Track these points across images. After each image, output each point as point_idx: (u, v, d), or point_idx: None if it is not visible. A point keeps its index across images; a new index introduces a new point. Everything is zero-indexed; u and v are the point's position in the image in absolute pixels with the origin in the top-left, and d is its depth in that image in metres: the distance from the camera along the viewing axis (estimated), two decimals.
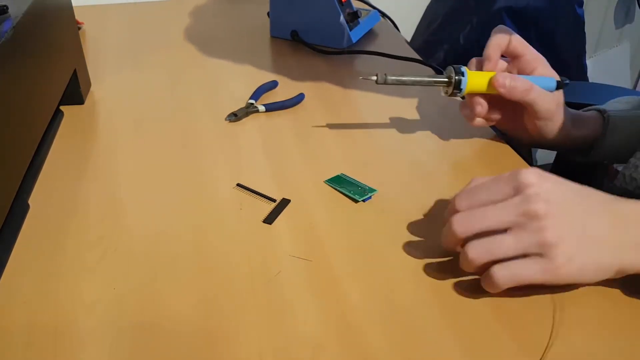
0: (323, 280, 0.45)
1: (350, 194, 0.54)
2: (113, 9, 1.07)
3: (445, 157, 0.62)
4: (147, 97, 0.74)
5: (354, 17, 0.88)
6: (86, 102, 0.73)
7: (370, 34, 0.94)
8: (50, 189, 0.56)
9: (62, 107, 0.70)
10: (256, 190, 0.55)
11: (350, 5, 0.89)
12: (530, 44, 0.60)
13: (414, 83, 0.55)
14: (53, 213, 0.53)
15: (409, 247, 0.48)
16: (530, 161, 0.60)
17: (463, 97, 0.59)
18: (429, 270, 0.46)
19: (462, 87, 0.56)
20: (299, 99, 0.72)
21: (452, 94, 0.58)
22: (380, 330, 0.41)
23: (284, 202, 0.54)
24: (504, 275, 0.40)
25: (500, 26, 0.59)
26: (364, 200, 0.53)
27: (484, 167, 0.60)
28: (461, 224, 0.42)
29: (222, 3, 1.09)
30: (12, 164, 0.50)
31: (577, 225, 0.40)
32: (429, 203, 0.54)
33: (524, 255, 0.40)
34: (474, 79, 0.57)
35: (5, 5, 0.54)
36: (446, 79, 0.57)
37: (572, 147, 0.63)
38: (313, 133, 0.66)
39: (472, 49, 1.07)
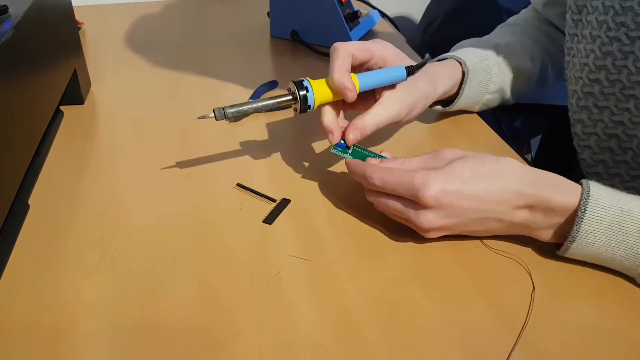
0: (323, 280, 0.45)
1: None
2: (113, 9, 1.07)
3: None
4: (147, 97, 0.74)
5: (354, 17, 0.88)
6: (86, 102, 0.73)
7: (370, 34, 0.94)
8: (50, 189, 0.56)
9: (62, 107, 0.70)
10: (256, 190, 0.55)
11: (350, 5, 0.89)
12: None
13: (256, 110, 0.50)
14: (53, 213, 0.53)
15: (409, 247, 0.48)
16: (528, 160, 0.61)
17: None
18: (428, 269, 0.46)
19: (309, 102, 0.51)
20: None
21: (303, 111, 0.52)
22: (379, 329, 0.41)
23: (284, 202, 0.54)
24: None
25: (335, 44, 0.53)
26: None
27: None
28: (375, 203, 0.49)
29: (222, 3, 1.09)
30: (12, 164, 0.50)
31: (463, 217, 0.46)
32: None
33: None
34: (320, 88, 0.52)
35: (5, 5, 0.54)
36: (290, 97, 0.51)
37: (437, 104, 0.66)
38: (313, 133, 0.66)
39: None
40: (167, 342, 0.40)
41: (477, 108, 0.69)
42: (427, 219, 0.45)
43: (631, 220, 0.42)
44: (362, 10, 0.92)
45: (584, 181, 0.45)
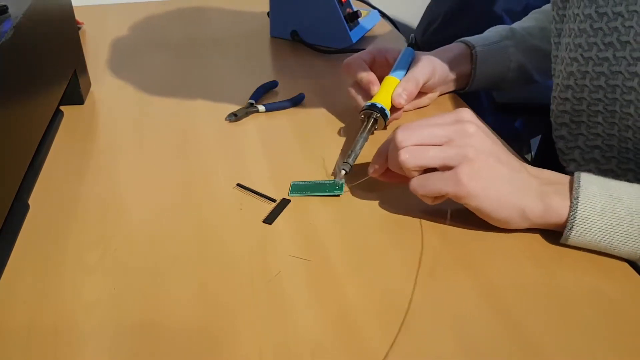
0: (323, 280, 0.45)
1: (328, 193, 0.54)
2: (113, 9, 1.07)
3: None
4: (147, 97, 0.74)
5: (354, 17, 0.88)
6: (86, 102, 0.73)
7: (370, 34, 0.94)
8: (50, 189, 0.56)
9: (62, 107, 0.70)
10: (256, 190, 0.55)
11: (350, 5, 0.89)
12: None
13: (361, 146, 0.59)
14: (53, 213, 0.53)
15: (409, 246, 0.48)
16: (528, 159, 0.61)
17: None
18: (428, 269, 0.46)
19: (387, 116, 0.63)
20: (299, 99, 0.72)
21: (386, 126, 0.64)
22: (379, 329, 0.41)
23: (284, 202, 0.54)
24: (418, 184, 0.48)
25: (347, 60, 0.68)
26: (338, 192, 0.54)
27: None
28: (403, 136, 0.48)
29: (222, 3, 1.09)
30: (12, 164, 0.50)
31: (494, 157, 0.47)
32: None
33: (445, 168, 0.47)
34: (388, 105, 0.64)
35: (5, 5, 0.54)
36: (375, 120, 0.62)
37: (455, 87, 0.73)
38: (313, 133, 0.66)
39: None
40: (167, 342, 0.40)
41: (506, 86, 0.75)
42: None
43: (622, 206, 0.44)
44: (362, 10, 0.92)
45: (575, 173, 0.47)
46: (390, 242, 0.49)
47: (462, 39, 0.73)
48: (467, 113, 0.49)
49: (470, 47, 0.71)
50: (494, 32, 0.75)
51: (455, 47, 0.72)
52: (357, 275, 0.46)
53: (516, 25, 0.77)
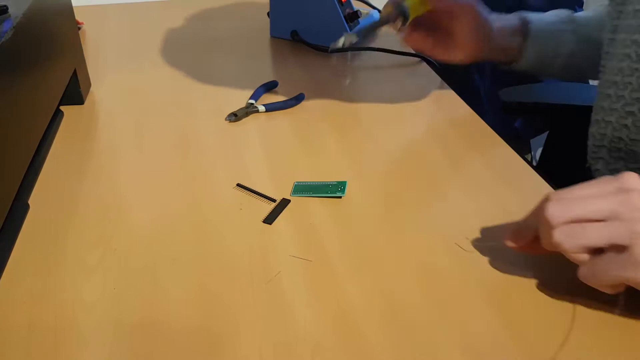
0: (323, 280, 0.45)
1: (330, 194, 0.54)
2: (113, 9, 1.07)
3: (445, 155, 0.62)
4: (147, 97, 0.74)
5: (354, 17, 0.88)
6: (86, 102, 0.73)
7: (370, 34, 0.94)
8: (50, 189, 0.56)
9: (62, 107, 0.70)
10: (256, 190, 0.55)
11: (350, 5, 0.89)
12: None
13: (372, 27, 0.64)
14: (53, 213, 0.53)
15: (408, 246, 0.48)
16: (528, 160, 0.61)
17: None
18: (429, 269, 0.46)
19: (407, 14, 0.63)
20: (299, 99, 0.72)
21: (403, 25, 0.64)
22: (379, 329, 0.41)
23: (284, 202, 0.54)
24: (589, 273, 0.39)
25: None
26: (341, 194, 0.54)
27: (481, 164, 0.60)
28: (555, 210, 0.40)
29: (222, 3, 1.09)
30: (12, 164, 0.50)
31: None
32: (430, 201, 0.54)
33: (616, 249, 0.38)
34: (411, 4, 0.64)
35: (5, 5, 0.54)
36: (397, 13, 0.63)
37: (502, 57, 0.72)
38: (313, 133, 0.66)
39: None
40: (167, 341, 0.40)
41: (551, 73, 0.73)
42: None
43: None
44: (362, 10, 0.92)
45: None
46: (389, 241, 0.49)
47: (521, 12, 0.72)
48: (633, 179, 0.40)
49: (526, 21, 0.70)
50: (553, 14, 0.73)
51: (511, 17, 0.70)
52: (357, 275, 0.46)
53: (577, 14, 0.74)
